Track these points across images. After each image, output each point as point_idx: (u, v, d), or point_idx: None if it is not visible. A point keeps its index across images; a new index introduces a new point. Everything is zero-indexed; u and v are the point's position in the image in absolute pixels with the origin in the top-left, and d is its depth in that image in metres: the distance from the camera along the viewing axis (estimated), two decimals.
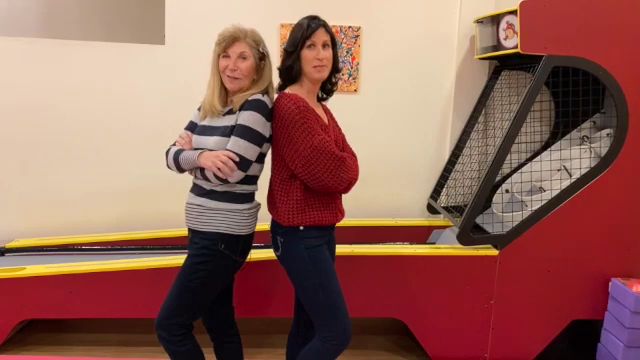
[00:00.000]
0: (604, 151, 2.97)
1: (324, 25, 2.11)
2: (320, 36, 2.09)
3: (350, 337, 2.16)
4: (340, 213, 2.25)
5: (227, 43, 2.13)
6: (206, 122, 2.21)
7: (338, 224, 2.30)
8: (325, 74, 2.15)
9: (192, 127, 2.27)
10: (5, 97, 3.47)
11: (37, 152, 3.54)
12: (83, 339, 3.23)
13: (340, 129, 2.35)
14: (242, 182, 2.15)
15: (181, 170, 2.21)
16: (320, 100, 2.29)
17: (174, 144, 2.26)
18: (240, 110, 2.12)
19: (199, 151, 2.13)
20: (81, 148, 3.56)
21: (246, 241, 2.22)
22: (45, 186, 3.57)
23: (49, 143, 3.54)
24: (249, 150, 2.10)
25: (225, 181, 2.09)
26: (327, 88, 2.25)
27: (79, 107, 3.52)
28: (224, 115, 2.17)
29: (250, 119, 2.09)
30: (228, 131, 2.12)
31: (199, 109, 2.29)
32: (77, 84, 3.50)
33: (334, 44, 2.16)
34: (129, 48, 3.51)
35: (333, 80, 2.24)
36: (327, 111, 2.33)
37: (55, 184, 3.58)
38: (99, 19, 3.60)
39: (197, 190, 2.20)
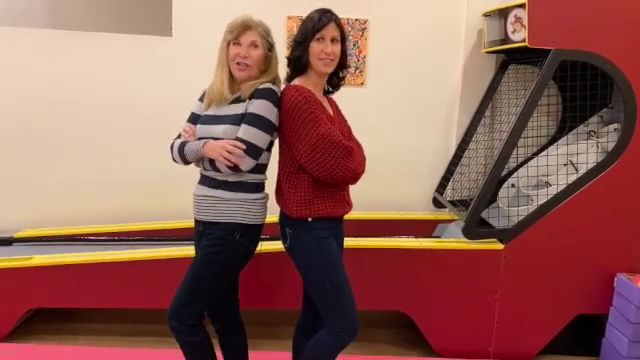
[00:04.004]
0: (611, 146, 2.96)
1: (335, 20, 2.12)
2: (330, 30, 2.09)
3: (357, 329, 2.16)
4: (348, 205, 2.25)
5: (239, 31, 2.14)
6: (211, 111, 2.20)
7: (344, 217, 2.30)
8: (331, 68, 2.15)
9: (194, 119, 2.26)
10: (10, 89, 3.47)
11: (44, 143, 3.55)
12: (89, 329, 3.25)
13: (346, 121, 2.35)
14: (253, 171, 2.15)
15: (187, 162, 2.21)
16: (326, 93, 2.28)
17: (178, 137, 2.26)
18: (250, 99, 2.12)
19: (203, 141, 2.13)
20: (88, 139, 3.57)
21: (258, 231, 2.24)
22: (52, 177, 3.58)
23: (56, 134, 3.54)
24: (261, 138, 2.10)
25: (236, 169, 2.09)
26: (334, 82, 2.26)
27: (85, 98, 3.52)
28: (230, 103, 2.17)
29: (262, 107, 2.10)
30: (238, 119, 2.12)
31: (200, 99, 2.28)
32: (82, 75, 3.50)
33: (343, 40, 2.16)
34: (135, 39, 3.50)
35: (340, 75, 2.24)
36: (333, 104, 2.33)
37: (62, 175, 3.59)
38: (105, 10, 3.59)
39: (209, 182, 2.20)
